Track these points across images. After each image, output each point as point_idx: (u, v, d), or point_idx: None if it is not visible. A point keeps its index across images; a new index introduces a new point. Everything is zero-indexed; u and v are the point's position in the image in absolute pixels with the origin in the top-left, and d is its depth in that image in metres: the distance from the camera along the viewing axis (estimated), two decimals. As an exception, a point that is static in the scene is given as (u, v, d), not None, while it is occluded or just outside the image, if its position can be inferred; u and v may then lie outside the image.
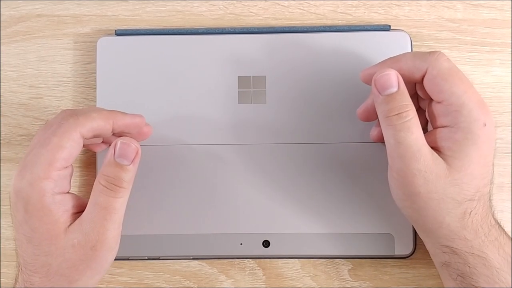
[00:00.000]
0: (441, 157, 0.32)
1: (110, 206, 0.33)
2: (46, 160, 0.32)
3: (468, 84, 0.32)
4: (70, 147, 0.32)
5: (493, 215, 0.34)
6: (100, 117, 0.34)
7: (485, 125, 0.32)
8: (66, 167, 0.33)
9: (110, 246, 0.33)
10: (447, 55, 0.33)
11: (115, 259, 0.39)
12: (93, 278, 0.34)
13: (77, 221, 0.33)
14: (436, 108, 0.33)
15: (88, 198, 0.33)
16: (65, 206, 0.33)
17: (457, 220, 0.32)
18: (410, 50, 0.39)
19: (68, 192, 0.34)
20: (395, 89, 0.32)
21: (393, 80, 0.32)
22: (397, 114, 0.32)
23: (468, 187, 0.32)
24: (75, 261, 0.32)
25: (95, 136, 0.34)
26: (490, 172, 0.33)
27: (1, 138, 0.41)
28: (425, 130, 0.36)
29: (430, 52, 0.33)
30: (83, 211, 0.33)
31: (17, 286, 0.34)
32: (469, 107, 0.32)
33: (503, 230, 0.34)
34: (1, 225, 0.41)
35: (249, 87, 0.39)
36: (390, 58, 0.34)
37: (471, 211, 0.32)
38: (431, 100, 0.34)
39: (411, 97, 0.33)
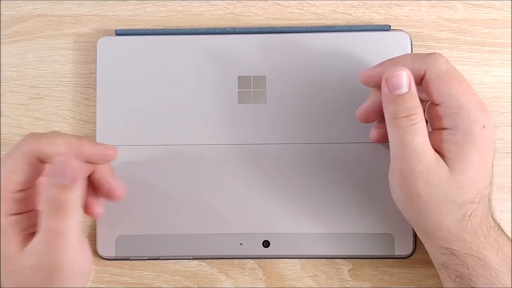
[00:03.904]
0: (442, 159, 0.32)
1: (57, 230, 0.30)
2: None
3: (467, 85, 0.32)
4: (26, 171, 0.31)
5: (492, 216, 0.34)
6: (64, 144, 0.32)
7: (484, 126, 0.32)
8: (24, 189, 0.32)
9: (69, 267, 0.31)
10: (447, 56, 0.33)
11: (115, 259, 0.39)
12: None
13: (31, 243, 0.31)
14: (435, 110, 0.33)
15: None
16: (21, 226, 0.31)
17: (456, 222, 0.32)
18: (410, 50, 0.39)
19: (29, 211, 0.32)
20: (405, 90, 0.32)
21: (405, 80, 0.32)
22: (406, 116, 0.31)
23: (469, 189, 0.32)
24: (37, 282, 0.31)
25: None
26: (490, 174, 0.33)
27: (1, 138, 0.41)
28: None
29: (428, 54, 0.33)
30: None
31: None
32: (468, 109, 0.32)
33: (503, 231, 0.34)
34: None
35: (249, 87, 0.39)
36: (389, 60, 0.34)
37: (471, 214, 0.32)
38: (430, 102, 0.34)
39: None
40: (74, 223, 0.31)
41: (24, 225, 0.32)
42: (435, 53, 0.33)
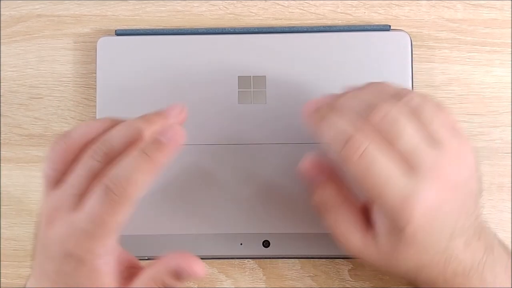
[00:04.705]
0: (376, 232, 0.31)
1: None
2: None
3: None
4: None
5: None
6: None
7: (405, 227, 0.29)
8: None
9: None
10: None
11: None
12: None
13: None
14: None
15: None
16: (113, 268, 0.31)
17: (410, 281, 0.32)
18: (410, 50, 0.39)
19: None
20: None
21: None
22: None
23: (401, 266, 0.31)
24: None
25: None
26: (441, 242, 0.30)
27: (1, 138, 0.41)
28: None
29: None
30: (127, 267, 0.32)
31: None
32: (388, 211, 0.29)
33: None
34: (1, 225, 0.41)
35: (249, 87, 0.39)
36: None
37: (417, 279, 0.31)
38: None
39: None
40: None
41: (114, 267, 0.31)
42: None
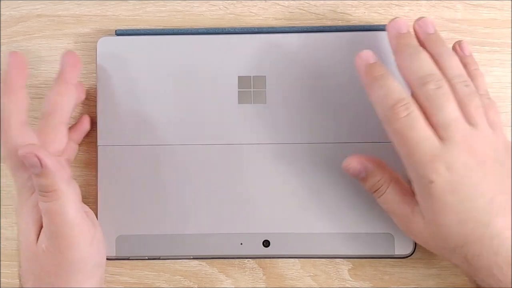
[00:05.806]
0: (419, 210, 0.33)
1: (50, 210, 0.32)
2: None
3: None
4: None
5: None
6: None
7: (432, 182, 0.31)
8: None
9: (76, 246, 0.33)
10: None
11: (115, 259, 0.39)
12: (84, 283, 0.34)
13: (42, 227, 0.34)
14: None
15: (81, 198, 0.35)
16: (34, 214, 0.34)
17: (464, 262, 0.32)
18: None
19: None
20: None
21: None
22: (374, 192, 0.35)
23: (451, 237, 0.31)
24: (49, 267, 0.33)
25: None
26: (478, 212, 0.31)
27: (1, 138, 0.41)
28: None
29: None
30: None
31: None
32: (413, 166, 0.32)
33: None
34: (1, 225, 0.41)
35: (249, 87, 0.39)
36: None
37: (472, 255, 0.31)
38: None
39: None
40: (66, 201, 0.32)
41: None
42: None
